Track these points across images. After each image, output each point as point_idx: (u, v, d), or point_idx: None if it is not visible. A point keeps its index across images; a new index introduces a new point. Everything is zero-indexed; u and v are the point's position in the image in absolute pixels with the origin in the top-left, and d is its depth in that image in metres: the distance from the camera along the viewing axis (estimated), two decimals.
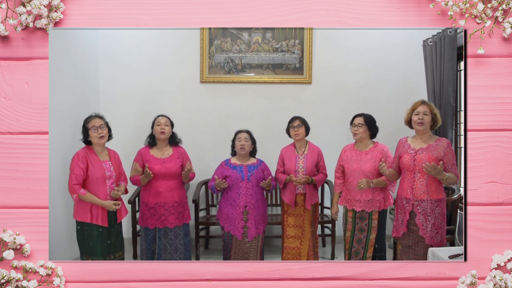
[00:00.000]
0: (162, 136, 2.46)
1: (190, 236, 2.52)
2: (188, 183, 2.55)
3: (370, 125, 2.41)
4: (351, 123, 2.44)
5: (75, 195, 2.18)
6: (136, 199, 2.52)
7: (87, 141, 2.26)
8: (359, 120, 2.41)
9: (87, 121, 2.25)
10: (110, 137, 2.30)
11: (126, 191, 2.36)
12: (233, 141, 2.56)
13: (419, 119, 2.21)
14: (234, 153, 2.57)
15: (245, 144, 2.52)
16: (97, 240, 2.21)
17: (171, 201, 2.43)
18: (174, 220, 2.44)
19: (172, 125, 2.49)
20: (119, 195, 2.26)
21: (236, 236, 2.47)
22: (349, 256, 2.43)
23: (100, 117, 2.27)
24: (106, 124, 2.28)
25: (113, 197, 2.25)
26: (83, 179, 2.19)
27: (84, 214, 2.20)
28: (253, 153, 2.57)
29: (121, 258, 2.32)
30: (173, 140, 2.50)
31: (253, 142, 2.56)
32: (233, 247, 2.48)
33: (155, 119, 2.49)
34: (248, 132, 2.55)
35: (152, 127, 2.49)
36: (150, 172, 2.36)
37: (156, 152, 2.47)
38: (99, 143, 2.25)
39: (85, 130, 2.25)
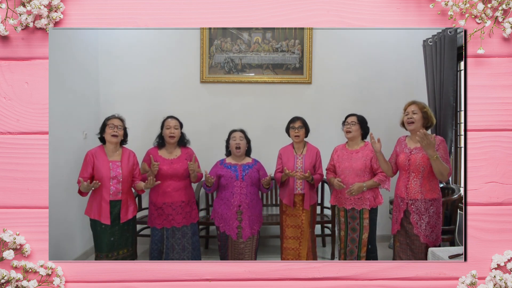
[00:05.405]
0: (171, 140, 2.47)
1: (198, 235, 2.52)
2: (196, 183, 2.55)
3: (363, 124, 2.46)
4: (344, 122, 2.48)
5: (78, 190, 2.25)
6: (136, 199, 2.52)
7: (102, 137, 2.33)
8: (353, 118, 2.46)
9: (108, 118, 2.33)
10: (124, 141, 2.37)
11: (142, 191, 2.41)
12: (227, 141, 2.56)
13: (408, 118, 2.23)
14: (228, 153, 2.56)
15: (240, 143, 2.51)
16: (100, 236, 2.27)
17: (179, 200, 2.45)
18: (182, 220, 2.45)
19: (181, 126, 2.51)
20: (142, 187, 2.34)
21: (231, 236, 2.47)
22: (344, 256, 2.44)
23: (121, 120, 2.35)
24: (124, 129, 2.35)
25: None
26: (89, 178, 2.26)
27: (90, 210, 2.28)
28: (248, 152, 2.56)
29: (127, 255, 2.34)
30: (182, 141, 2.51)
31: (248, 141, 2.55)
32: (229, 247, 2.47)
33: (164, 121, 2.49)
34: (242, 131, 2.55)
35: (162, 128, 2.49)
36: (156, 164, 2.37)
37: (164, 153, 2.48)
38: (111, 140, 2.31)
39: (103, 126, 2.33)
